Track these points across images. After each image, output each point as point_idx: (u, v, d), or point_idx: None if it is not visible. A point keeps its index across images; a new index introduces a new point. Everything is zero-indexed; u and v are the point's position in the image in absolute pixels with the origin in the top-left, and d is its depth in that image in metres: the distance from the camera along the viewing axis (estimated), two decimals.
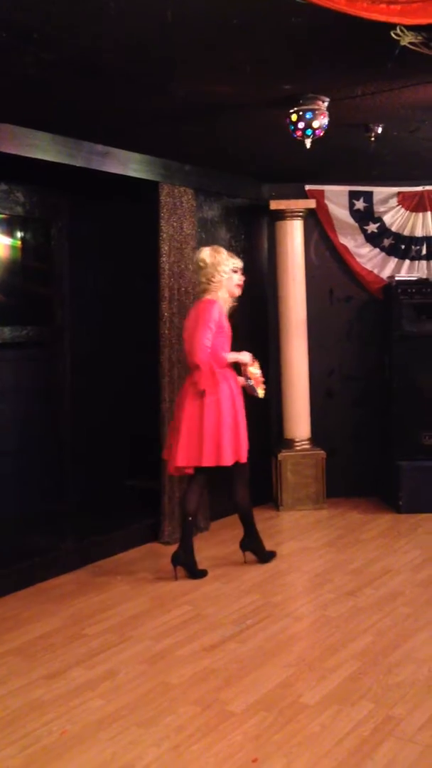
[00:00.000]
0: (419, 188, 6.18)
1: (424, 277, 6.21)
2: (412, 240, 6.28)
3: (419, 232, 6.26)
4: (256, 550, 4.95)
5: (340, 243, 6.30)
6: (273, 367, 6.33)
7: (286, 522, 5.95)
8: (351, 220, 6.25)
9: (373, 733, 2.97)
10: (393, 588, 4.49)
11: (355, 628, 3.95)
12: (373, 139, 4.51)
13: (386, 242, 6.28)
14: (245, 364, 4.72)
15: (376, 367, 6.36)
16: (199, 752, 2.84)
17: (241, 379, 4.75)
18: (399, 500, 5.97)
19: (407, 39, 2.93)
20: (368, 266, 6.34)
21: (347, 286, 6.43)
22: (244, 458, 4.69)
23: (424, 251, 6.29)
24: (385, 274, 6.31)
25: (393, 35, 2.87)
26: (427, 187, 6.17)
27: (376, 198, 6.24)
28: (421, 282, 6.09)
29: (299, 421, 6.24)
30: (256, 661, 3.58)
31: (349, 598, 4.36)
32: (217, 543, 5.42)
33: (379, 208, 6.24)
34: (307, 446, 6.26)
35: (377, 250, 6.31)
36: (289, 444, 6.24)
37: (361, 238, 6.31)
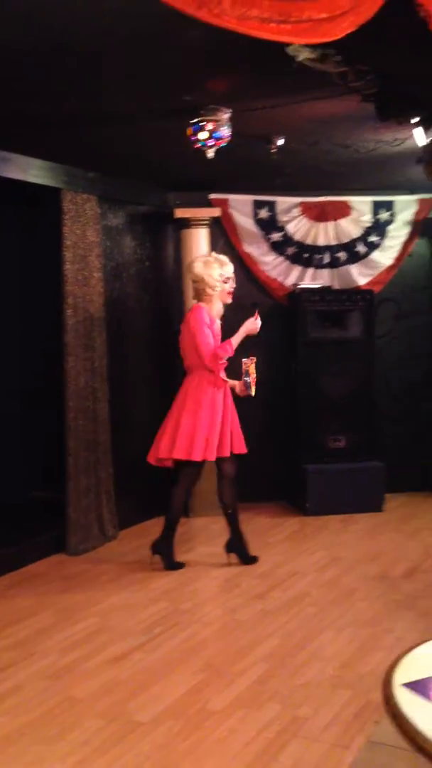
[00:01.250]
0: (321, 199, 6.34)
1: (327, 284, 6.37)
2: (315, 249, 6.44)
3: (321, 241, 6.42)
4: (240, 552, 5.04)
5: (245, 251, 6.38)
6: (180, 376, 6.34)
7: (196, 528, 5.97)
8: (255, 229, 6.35)
9: (279, 734, 3.01)
10: (300, 589, 4.58)
11: (262, 631, 4.00)
12: (274, 150, 4.60)
13: (290, 251, 6.41)
14: (247, 363, 4.90)
15: (283, 373, 6.47)
16: (105, 765, 2.82)
17: (237, 383, 4.95)
18: (306, 503, 6.09)
19: (303, 55, 3.01)
20: (273, 274, 6.45)
21: (252, 293, 6.50)
22: (225, 453, 4.89)
23: (326, 260, 6.46)
24: (290, 281, 6.44)
25: (290, 51, 2.95)
26: (329, 198, 6.34)
27: (279, 208, 6.36)
28: (323, 290, 6.25)
29: None
30: (163, 670, 3.57)
31: (257, 601, 4.41)
32: (125, 551, 5.39)
33: (282, 218, 6.36)
34: None
35: (281, 258, 6.43)
36: None
37: (265, 247, 6.41)
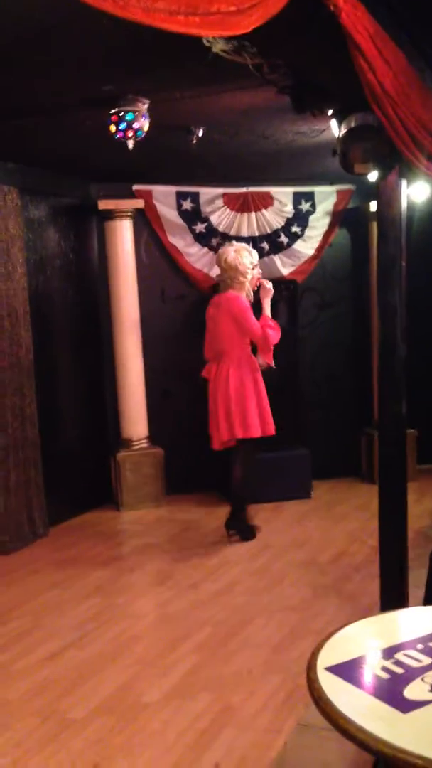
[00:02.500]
0: (243, 189, 6.37)
1: None
2: (239, 239, 6.43)
3: (245, 232, 6.45)
4: (241, 528, 5.27)
5: (170, 243, 6.37)
6: (107, 367, 6.30)
7: (127, 521, 5.95)
8: (179, 220, 6.34)
9: (212, 723, 3.05)
10: (231, 578, 4.62)
11: (194, 621, 4.03)
12: (195, 141, 4.59)
13: (214, 242, 6.42)
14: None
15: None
16: (39, 764, 2.80)
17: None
18: None
19: (219, 46, 3.00)
20: (198, 265, 6.45)
21: (179, 285, 6.52)
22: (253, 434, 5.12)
23: None
24: (215, 272, 6.42)
25: (205, 42, 2.95)
26: (251, 189, 6.37)
27: (202, 198, 6.36)
28: None
29: (136, 421, 6.26)
30: (96, 666, 3.56)
31: (189, 592, 4.44)
32: (56, 548, 5.33)
33: (205, 209, 6.37)
34: (145, 445, 6.29)
35: (206, 249, 6.44)
36: (127, 444, 6.24)
37: (190, 238, 6.40)
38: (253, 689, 3.29)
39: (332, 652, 1.93)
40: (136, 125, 3.92)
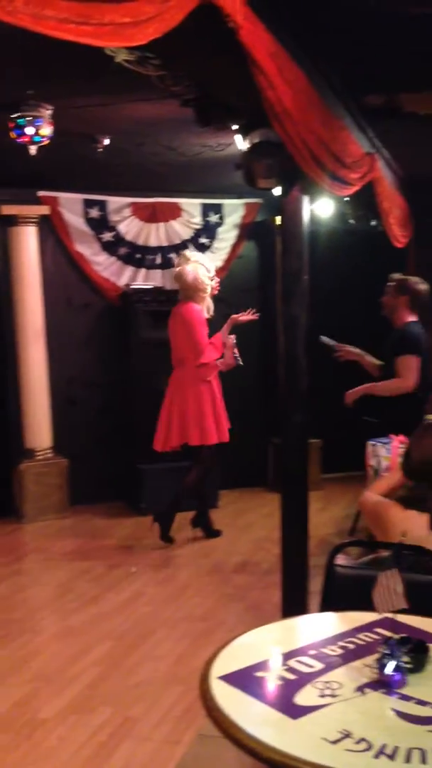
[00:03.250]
0: (151, 200, 6.37)
1: (159, 285, 6.42)
2: (147, 249, 6.46)
3: (153, 242, 6.46)
4: (205, 526, 5.49)
5: (76, 250, 6.30)
6: (11, 376, 6.16)
7: (29, 534, 5.81)
8: (86, 228, 6.28)
9: (111, 736, 3.01)
10: (135, 589, 4.59)
11: (96, 634, 3.97)
12: (100, 150, 4.56)
13: (122, 251, 6.40)
14: (232, 338, 5.25)
15: (118, 374, 6.45)
16: None
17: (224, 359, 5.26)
18: (142, 503, 6.10)
19: (122, 56, 3.00)
20: (105, 274, 6.41)
21: (85, 293, 6.45)
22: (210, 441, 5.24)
23: (158, 260, 6.50)
24: (122, 281, 6.42)
25: (107, 51, 2.94)
26: (159, 199, 6.39)
27: (110, 207, 6.32)
28: (156, 290, 6.29)
29: (40, 430, 6.15)
30: None
31: (91, 605, 4.37)
32: None
33: (113, 218, 6.34)
34: (50, 455, 6.18)
35: (114, 258, 6.41)
36: (30, 454, 6.11)
37: (97, 246, 6.36)
38: (154, 701, 3.27)
39: (227, 661, 1.93)
40: (30, 130, 3.85)
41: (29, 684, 3.44)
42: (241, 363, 5.31)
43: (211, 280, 5.30)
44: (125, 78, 3.29)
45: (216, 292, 5.38)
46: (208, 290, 5.29)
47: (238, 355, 5.27)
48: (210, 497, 5.80)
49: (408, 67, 3.39)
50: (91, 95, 3.74)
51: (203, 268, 5.26)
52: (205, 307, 5.32)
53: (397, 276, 4.90)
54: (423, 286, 4.81)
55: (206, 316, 5.32)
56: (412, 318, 4.77)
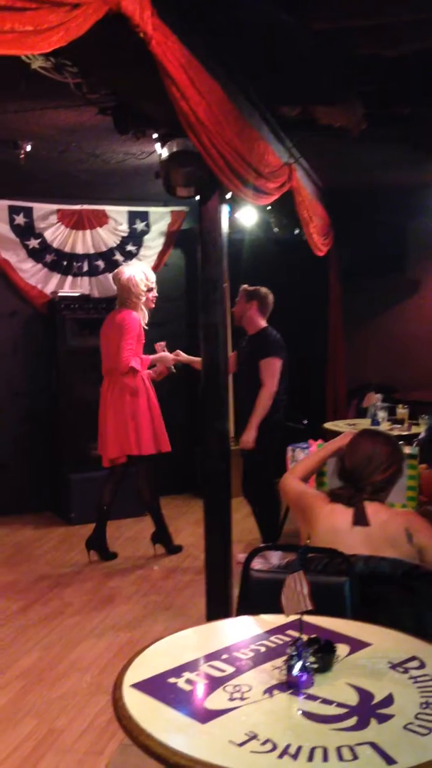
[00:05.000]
0: (78, 207, 6.34)
1: (86, 293, 6.38)
2: (74, 257, 6.42)
3: (80, 249, 6.42)
4: (165, 542, 5.34)
5: (2, 257, 6.21)
6: None
7: None
8: (12, 235, 6.20)
9: (36, 748, 2.97)
10: (62, 600, 4.54)
11: (21, 647, 3.91)
12: (22, 156, 4.52)
13: (48, 258, 6.34)
14: (162, 345, 5.21)
15: (45, 382, 6.38)
16: None
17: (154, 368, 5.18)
18: (70, 512, 6.04)
19: (38, 63, 2.99)
20: (32, 281, 6.34)
21: (11, 301, 6.36)
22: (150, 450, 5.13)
23: (85, 268, 6.47)
24: (49, 289, 6.36)
25: (24, 58, 2.92)
26: (85, 206, 6.36)
27: (36, 214, 6.26)
28: (83, 298, 6.25)
29: None
30: None
31: (17, 617, 4.31)
32: None
33: (39, 224, 6.27)
34: None
35: (40, 265, 6.34)
36: None
37: (23, 253, 6.28)
38: (78, 712, 3.25)
39: (140, 669, 1.94)
40: None
41: None
42: (174, 371, 5.28)
43: (148, 289, 5.13)
44: (45, 85, 3.29)
45: (152, 305, 5.21)
46: (142, 297, 5.10)
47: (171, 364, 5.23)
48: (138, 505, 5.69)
49: (320, 80, 3.47)
50: (9, 101, 3.71)
51: (141, 273, 5.12)
52: (142, 317, 5.16)
53: (244, 286, 5.12)
54: (270, 294, 5.05)
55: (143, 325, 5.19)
56: (264, 323, 5.01)
